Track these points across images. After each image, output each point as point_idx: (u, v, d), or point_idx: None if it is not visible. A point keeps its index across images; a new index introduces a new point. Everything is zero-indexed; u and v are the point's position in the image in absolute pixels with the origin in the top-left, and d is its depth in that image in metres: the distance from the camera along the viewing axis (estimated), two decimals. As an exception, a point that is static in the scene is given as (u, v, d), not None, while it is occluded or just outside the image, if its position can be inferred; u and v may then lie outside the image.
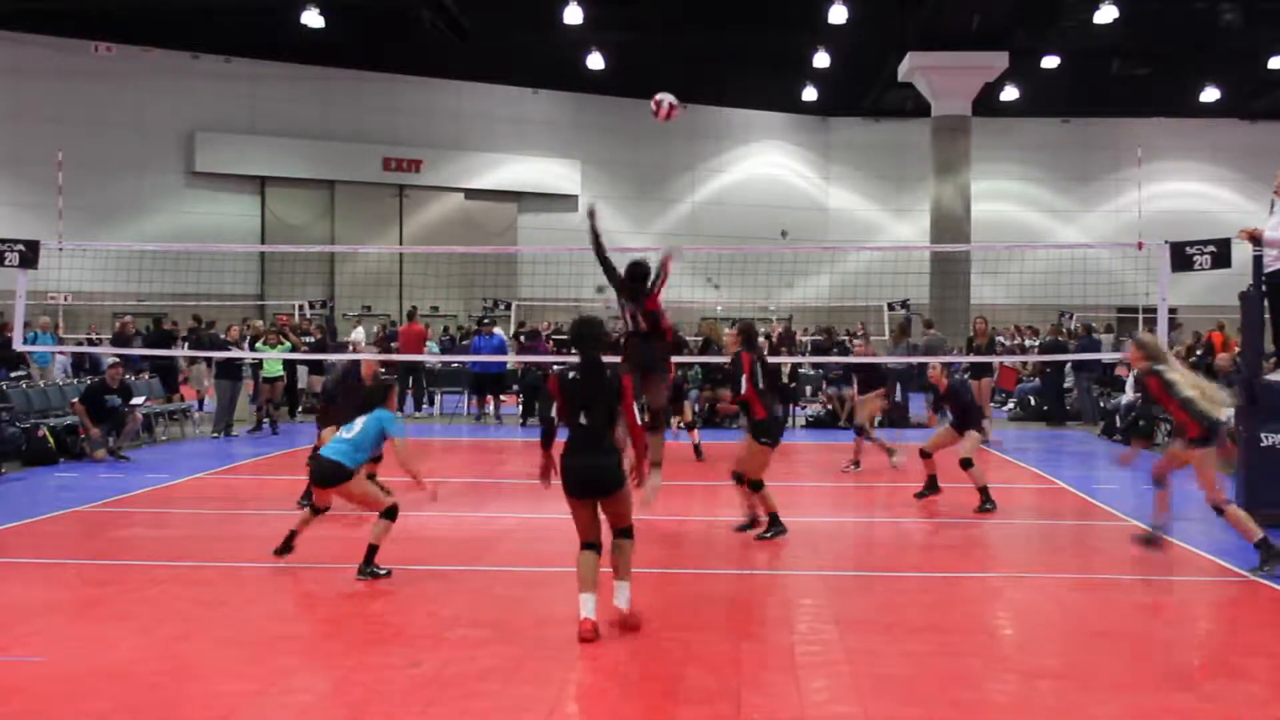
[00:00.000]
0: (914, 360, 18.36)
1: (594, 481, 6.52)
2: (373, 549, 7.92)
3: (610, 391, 6.58)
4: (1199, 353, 20.41)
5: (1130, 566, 8.60)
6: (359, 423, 8.19)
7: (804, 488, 12.37)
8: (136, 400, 15.44)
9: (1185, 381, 8.27)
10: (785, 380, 19.45)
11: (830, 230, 38.45)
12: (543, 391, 6.75)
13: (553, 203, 36.45)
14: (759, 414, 9.30)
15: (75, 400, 14.90)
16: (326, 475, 8.03)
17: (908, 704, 5.42)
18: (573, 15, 26.62)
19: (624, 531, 6.68)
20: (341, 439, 8.13)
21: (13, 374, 16.82)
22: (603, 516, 6.64)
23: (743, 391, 9.34)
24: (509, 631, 6.57)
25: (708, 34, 29.54)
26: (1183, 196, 37.07)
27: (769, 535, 9.26)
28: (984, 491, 10.95)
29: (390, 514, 8.01)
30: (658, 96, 11.04)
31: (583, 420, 6.56)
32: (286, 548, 8.40)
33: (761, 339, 14.27)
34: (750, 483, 9.35)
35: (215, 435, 17.46)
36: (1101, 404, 19.68)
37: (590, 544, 6.57)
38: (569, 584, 8.01)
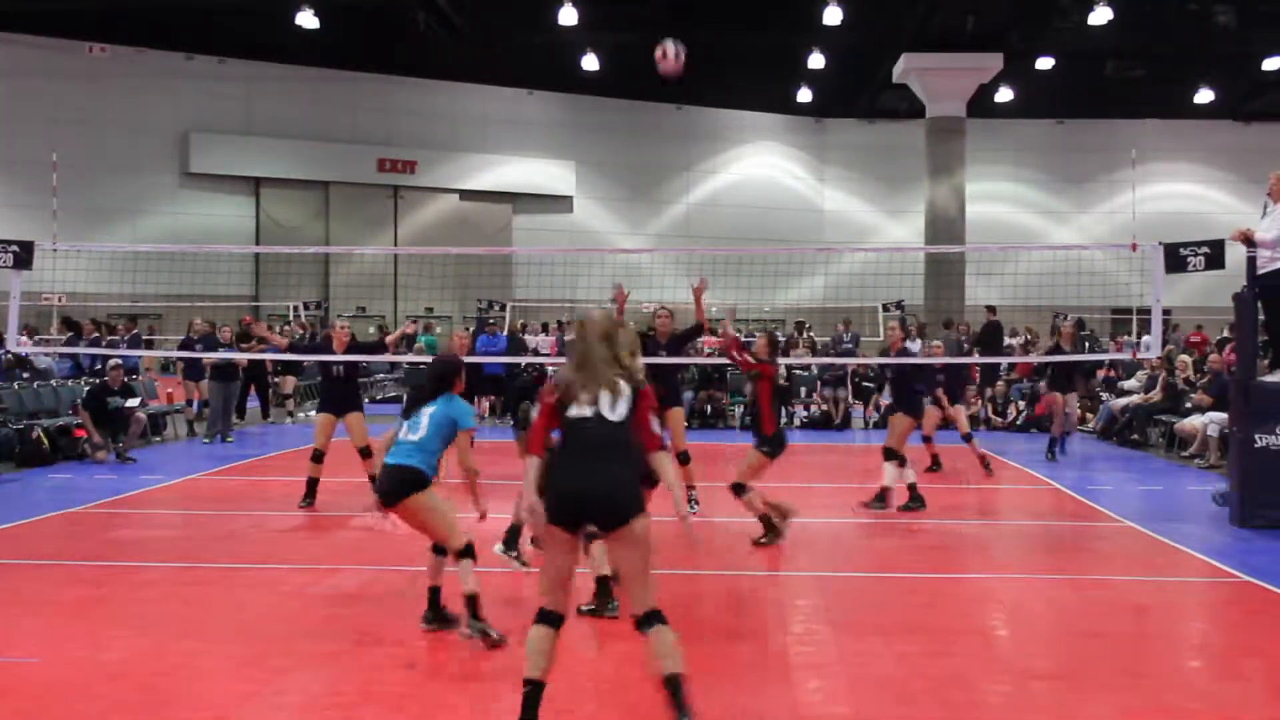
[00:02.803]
0: (916, 362, 18.37)
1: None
2: (470, 600, 6.42)
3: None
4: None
5: (1124, 567, 8.62)
6: (424, 417, 6.60)
7: (798, 489, 12.36)
8: (133, 402, 15.41)
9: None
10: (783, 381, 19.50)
11: (825, 231, 38.47)
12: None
13: (548, 204, 36.46)
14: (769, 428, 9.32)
15: (79, 404, 14.85)
16: (403, 483, 6.41)
17: (901, 704, 5.43)
18: (568, 16, 26.63)
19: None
20: (407, 439, 6.54)
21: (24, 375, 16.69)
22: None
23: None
24: (504, 632, 6.57)
25: (702, 35, 29.50)
26: (1177, 198, 37.10)
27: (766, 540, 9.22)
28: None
29: (468, 552, 6.51)
30: (664, 45, 10.87)
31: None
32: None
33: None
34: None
35: (208, 440, 17.17)
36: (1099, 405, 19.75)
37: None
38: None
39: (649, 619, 4.75)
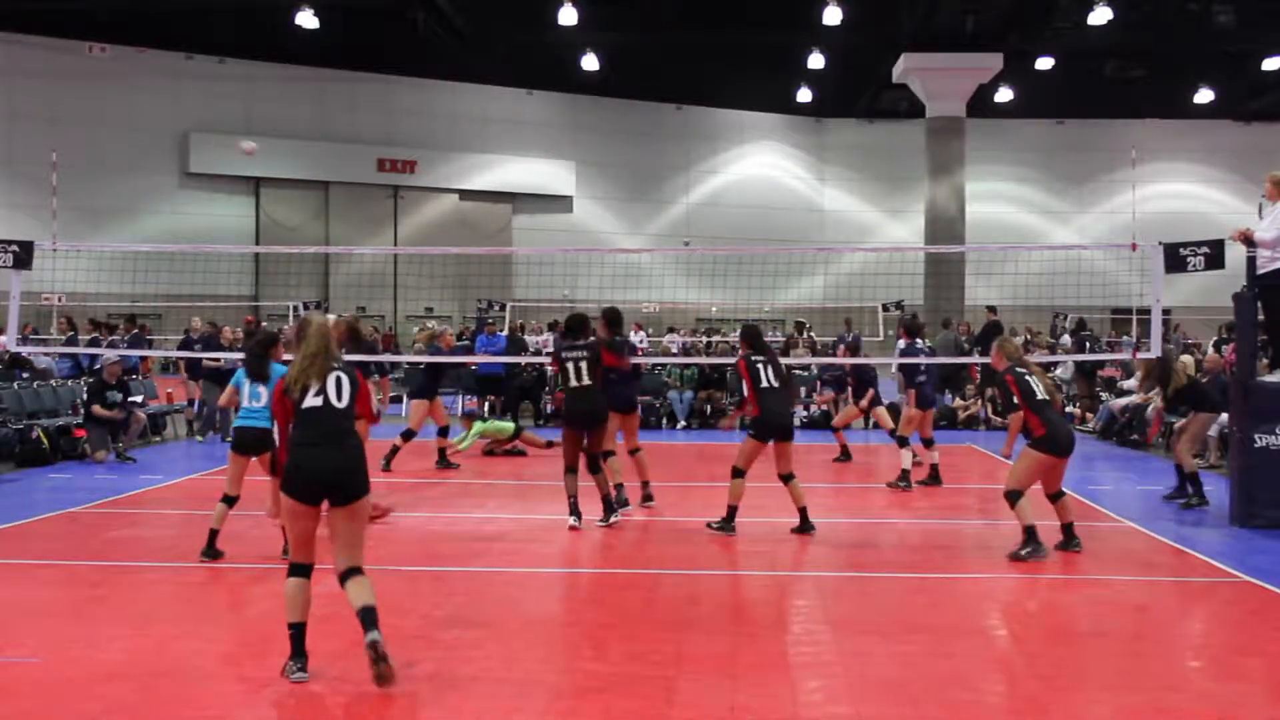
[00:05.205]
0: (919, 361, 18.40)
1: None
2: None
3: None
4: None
5: (1124, 567, 8.62)
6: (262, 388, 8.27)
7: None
8: (134, 399, 15.37)
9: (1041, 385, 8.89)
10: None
11: (825, 231, 38.50)
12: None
13: (547, 204, 36.48)
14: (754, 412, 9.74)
15: (79, 403, 14.85)
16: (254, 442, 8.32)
17: (900, 705, 5.42)
18: (568, 16, 26.63)
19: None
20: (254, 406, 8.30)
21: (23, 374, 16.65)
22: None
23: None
24: (503, 632, 6.57)
25: (703, 35, 29.59)
26: (1177, 198, 37.14)
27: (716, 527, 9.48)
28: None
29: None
30: None
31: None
32: (212, 550, 8.41)
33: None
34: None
35: (200, 438, 17.12)
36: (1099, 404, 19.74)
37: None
38: (563, 585, 8.03)
39: (350, 574, 5.70)
